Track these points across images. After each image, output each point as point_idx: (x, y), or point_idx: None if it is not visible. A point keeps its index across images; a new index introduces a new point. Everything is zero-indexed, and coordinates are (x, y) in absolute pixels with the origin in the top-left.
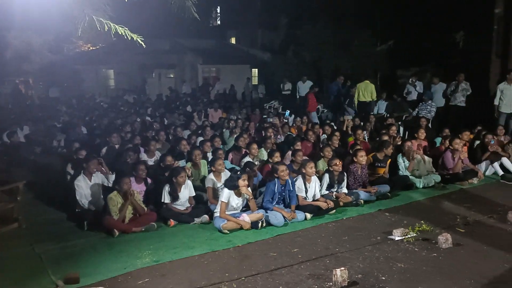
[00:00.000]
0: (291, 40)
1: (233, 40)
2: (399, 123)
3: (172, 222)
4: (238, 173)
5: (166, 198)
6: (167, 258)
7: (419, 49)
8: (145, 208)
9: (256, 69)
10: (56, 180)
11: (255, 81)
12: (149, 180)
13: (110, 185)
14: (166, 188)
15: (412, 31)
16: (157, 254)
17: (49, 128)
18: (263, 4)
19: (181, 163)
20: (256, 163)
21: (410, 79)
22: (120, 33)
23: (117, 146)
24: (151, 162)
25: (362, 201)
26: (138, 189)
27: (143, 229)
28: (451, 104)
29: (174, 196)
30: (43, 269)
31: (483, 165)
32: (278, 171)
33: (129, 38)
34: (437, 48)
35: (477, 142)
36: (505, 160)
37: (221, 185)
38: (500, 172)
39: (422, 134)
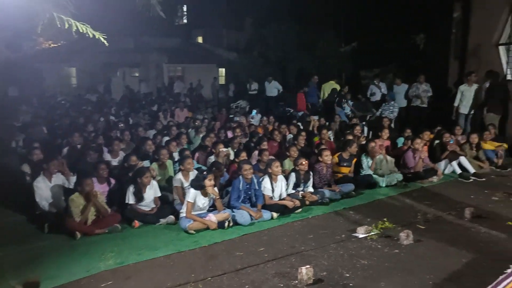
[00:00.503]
0: (257, 40)
1: (199, 39)
2: (363, 123)
3: (136, 223)
4: (204, 173)
5: (130, 199)
6: (131, 260)
7: (382, 50)
8: (109, 209)
9: (223, 69)
10: (15, 181)
11: (222, 80)
12: (112, 180)
13: (72, 186)
14: (131, 188)
15: (375, 33)
16: (121, 256)
17: (8, 127)
18: (229, 3)
19: (145, 163)
20: (221, 161)
21: (374, 81)
22: (81, 30)
23: (79, 146)
24: (115, 162)
25: (327, 199)
26: (100, 190)
27: (107, 231)
28: (413, 105)
29: (139, 197)
30: (1, 274)
31: (442, 164)
32: (242, 169)
33: (91, 36)
34: (399, 49)
35: (437, 141)
36: (462, 159)
37: (188, 185)
38: (458, 171)
39: (385, 134)
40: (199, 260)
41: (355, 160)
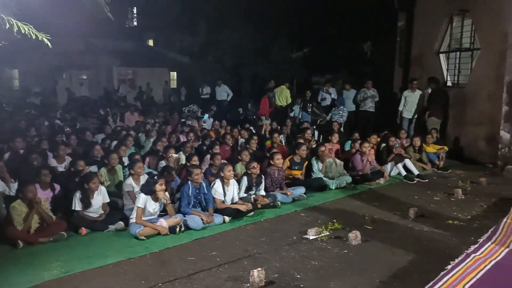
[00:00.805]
0: (211, 44)
1: (150, 42)
2: (314, 127)
3: (83, 230)
4: (155, 177)
5: (77, 205)
6: (78, 269)
7: (332, 57)
8: (53, 217)
9: (175, 73)
10: None
11: (174, 84)
12: (56, 186)
13: (13, 193)
14: (77, 194)
15: (326, 40)
16: (67, 265)
17: None
18: (182, 7)
19: (93, 168)
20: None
21: (325, 86)
22: (23, 31)
23: (21, 151)
24: (61, 168)
25: (279, 203)
26: (44, 196)
27: (51, 239)
28: (361, 109)
29: (86, 203)
30: None
31: (388, 166)
32: (192, 174)
33: (34, 37)
34: (348, 56)
35: (383, 145)
36: (407, 162)
37: (139, 190)
38: (403, 173)
39: (335, 138)
40: (150, 266)
41: (306, 163)
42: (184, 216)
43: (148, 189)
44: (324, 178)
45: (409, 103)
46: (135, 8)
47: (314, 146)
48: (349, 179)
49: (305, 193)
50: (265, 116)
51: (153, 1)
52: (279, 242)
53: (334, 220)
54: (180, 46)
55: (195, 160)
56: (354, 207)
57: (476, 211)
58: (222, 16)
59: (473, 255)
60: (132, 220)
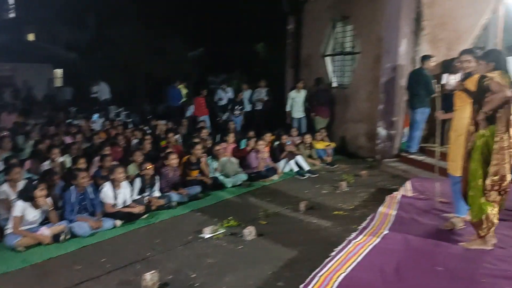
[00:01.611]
0: (101, 40)
1: (31, 36)
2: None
3: None
4: (35, 182)
5: None
6: None
7: (227, 57)
8: None
9: (61, 70)
10: None
11: (60, 82)
12: None
13: None
14: None
15: (221, 40)
16: None
17: None
18: (68, 0)
19: None
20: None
21: (221, 86)
22: None
23: None
24: None
25: (176, 203)
26: None
27: None
28: (256, 108)
29: None
30: None
31: (281, 163)
32: (78, 178)
33: None
34: (243, 57)
35: (277, 143)
36: (299, 158)
37: (16, 197)
38: (295, 169)
39: (230, 137)
40: (30, 279)
41: (202, 163)
42: (70, 223)
43: (26, 195)
44: (220, 177)
45: (296, 103)
46: None
47: (210, 145)
48: (244, 177)
49: (201, 192)
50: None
51: None
52: (173, 243)
53: (230, 218)
54: (66, 41)
55: (82, 162)
56: (249, 203)
57: (358, 201)
58: (113, 11)
59: (353, 241)
60: (9, 231)
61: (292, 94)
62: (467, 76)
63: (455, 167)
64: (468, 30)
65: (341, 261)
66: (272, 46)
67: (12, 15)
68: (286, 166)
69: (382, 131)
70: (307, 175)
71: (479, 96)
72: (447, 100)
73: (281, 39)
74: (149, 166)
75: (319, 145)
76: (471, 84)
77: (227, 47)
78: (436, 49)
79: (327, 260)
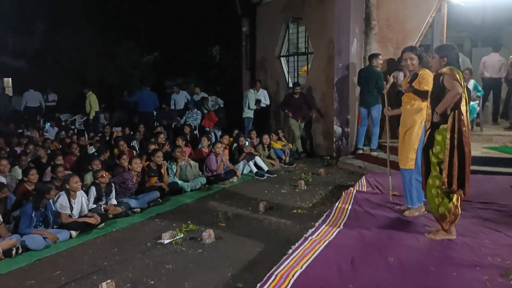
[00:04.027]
0: (50, 47)
1: None
2: (169, 131)
3: None
4: None
5: None
6: None
7: (183, 60)
8: None
9: (9, 79)
10: None
11: (10, 91)
12: None
13: None
14: None
15: (176, 43)
16: None
17: None
18: (13, 6)
19: None
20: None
21: (174, 90)
22: None
23: None
24: None
25: (139, 209)
26: None
27: None
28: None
29: None
30: None
31: (240, 164)
32: (51, 191)
33: None
34: (198, 60)
35: (235, 145)
36: (257, 159)
37: None
38: (254, 170)
39: (180, 141)
40: None
41: (162, 169)
42: (22, 237)
43: None
44: (179, 182)
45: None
46: None
47: (168, 150)
48: (203, 180)
49: (160, 198)
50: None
51: None
52: (131, 251)
53: (189, 222)
54: (13, 49)
55: (33, 173)
56: (209, 207)
57: (316, 199)
58: (60, 17)
59: (310, 238)
60: None
61: (250, 94)
62: (414, 77)
63: (404, 161)
64: (414, 29)
65: (297, 258)
66: (228, 48)
67: None
68: (246, 167)
69: (338, 129)
70: (266, 175)
71: (437, 93)
72: (400, 97)
73: (237, 42)
74: (104, 174)
75: (277, 145)
76: (416, 84)
77: (182, 50)
78: (385, 48)
79: (284, 258)
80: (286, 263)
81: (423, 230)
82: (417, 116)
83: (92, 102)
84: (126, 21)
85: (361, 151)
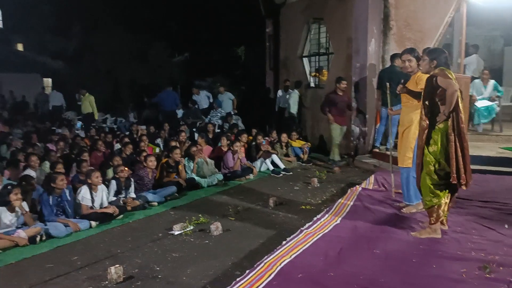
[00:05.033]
0: (86, 48)
1: (20, 47)
2: (194, 129)
3: None
4: (9, 187)
5: None
6: None
7: (211, 61)
8: None
9: (49, 79)
10: None
11: (50, 91)
12: None
13: None
14: None
15: (204, 44)
16: None
17: None
18: (53, 10)
19: None
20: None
21: (193, 92)
22: None
23: None
24: None
25: (156, 203)
26: None
27: None
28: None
29: None
30: None
31: (258, 162)
32: (56, 180)
33: None
34: (224, 60)
35: (253, 143)
36: (274, 157)
37: None
38: (271, 167)
39: (201, 140)
40: (3, 278)
41: (180, 165)
42: (46, 225)
43: (2, 199)
44: (196, 178)
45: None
46: None
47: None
48: (220, 176)
49: (177, 193)
50: None
51: (21, 3)
52: (143, 240)
53: (200, 215)
54: (53, 50)
55: (59, 167)
56: (222, 201)
57: (327, 196)
58: (96, 19)
59: (305, 230)
60: None
61: (294, 94)
62: (408, 78)
63: (402, 159)
64: (432, 29)
65: (288, 249)
66: (253, 49)
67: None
68: (262, 165)
69: (355, 129)
70: (282, 173)
71: (429, 92)
72: None
73: (261, 42)
74: (122, 169)
75: (296, 144)
76: (413, 85)
77: (210, 51)
78: (403, 48)
79: (276, 248)
80: (277, 252)
81: (416, 226)
82: (414, 116)
83: (92, 103)
84: (158, 23)
85: (377, 150)
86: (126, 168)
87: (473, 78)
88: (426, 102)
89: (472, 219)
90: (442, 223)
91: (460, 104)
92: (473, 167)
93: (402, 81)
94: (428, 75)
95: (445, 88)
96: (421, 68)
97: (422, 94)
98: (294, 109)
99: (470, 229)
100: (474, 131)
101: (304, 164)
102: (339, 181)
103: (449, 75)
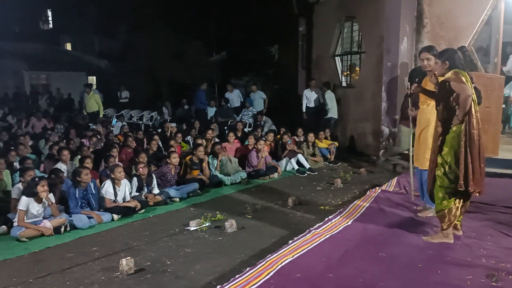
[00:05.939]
0: (129, 48)
1: (68, 46)
2: (225, 127)
3: None
4: (36, 179)
5: None
6: None
7: (247, 59)
8: None
9: (94, 77)
10: None
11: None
12: None
13: None
14: None
15: (240, 43)
16: None
17: None
18: (100, 10)
19: None
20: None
21: (228, 89)
22: None
23: None
24: None
25: (177, 199)
26: None
27: None
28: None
29: None
30: None
31: (283, 161)
32: (81, 174)
33: None
34: (258, 59)
35: (280, 142)
36: (300, 157)
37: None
38: (296, 167)
39: (230, 137)
40: (25, 265)
41: (204, 163)
42: (70, 216)
43: (29, 191)
44: (219, 175)
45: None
46: (49, 10)
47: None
48: (244, 174)
49: (200, 189)
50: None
51: (69, 3)
52: (160, 235)
53: (217, 212)
54: (99, 49)
55: (87, 162)
56: (241, 199)
57: (348, 197)
58: (140, 19)
59: (313, 231)
60: (15, 224)
61: (329, 94)
62: (423, 77)
63: (421, 161)
64: (467, 27)
65: (292, 248)
66: (285, 48)
67: (50, 26)
68: (288, 164)
69: (385, 129)
70: (307, 173)
71: (443, 97)
72: None
73: (294, 41)
74: (142, 166)
75: (323, 144)
76: (429, 84)
77: (245, 50)
78: (437, 47)
79: (282, 247)
80: (280, 251)
81: (430, 230)
82: (432, 116)
83: (98, 101)
84: (196, 23)
85: (407, 152)
86: (143, 167)
87: (510, 79)
88: (440, 107)
89: (490, 225)
90: (456, 228)
91: (473, 109)
92: (505, 171)
93: (417, 80)
94: (431, 83)
95: (458, 93)
96: (436, 71)
97: (436, 99)
98: (333, 111)
99: (486, 235)
100: (511, 133)
101: (331, 164)
102: (364, 183)
103: (463, 78)
